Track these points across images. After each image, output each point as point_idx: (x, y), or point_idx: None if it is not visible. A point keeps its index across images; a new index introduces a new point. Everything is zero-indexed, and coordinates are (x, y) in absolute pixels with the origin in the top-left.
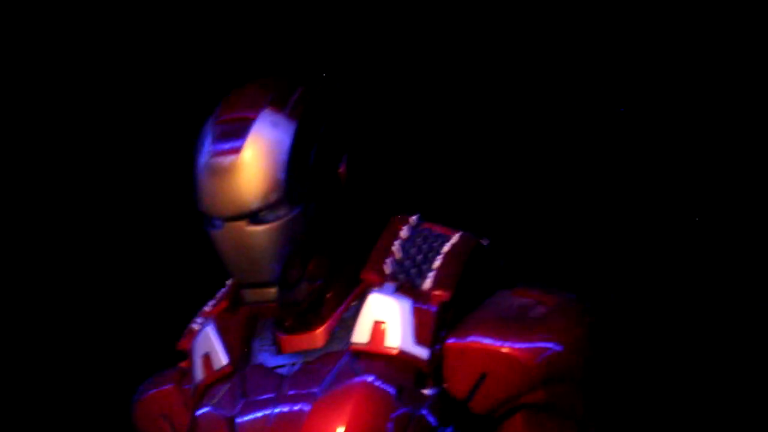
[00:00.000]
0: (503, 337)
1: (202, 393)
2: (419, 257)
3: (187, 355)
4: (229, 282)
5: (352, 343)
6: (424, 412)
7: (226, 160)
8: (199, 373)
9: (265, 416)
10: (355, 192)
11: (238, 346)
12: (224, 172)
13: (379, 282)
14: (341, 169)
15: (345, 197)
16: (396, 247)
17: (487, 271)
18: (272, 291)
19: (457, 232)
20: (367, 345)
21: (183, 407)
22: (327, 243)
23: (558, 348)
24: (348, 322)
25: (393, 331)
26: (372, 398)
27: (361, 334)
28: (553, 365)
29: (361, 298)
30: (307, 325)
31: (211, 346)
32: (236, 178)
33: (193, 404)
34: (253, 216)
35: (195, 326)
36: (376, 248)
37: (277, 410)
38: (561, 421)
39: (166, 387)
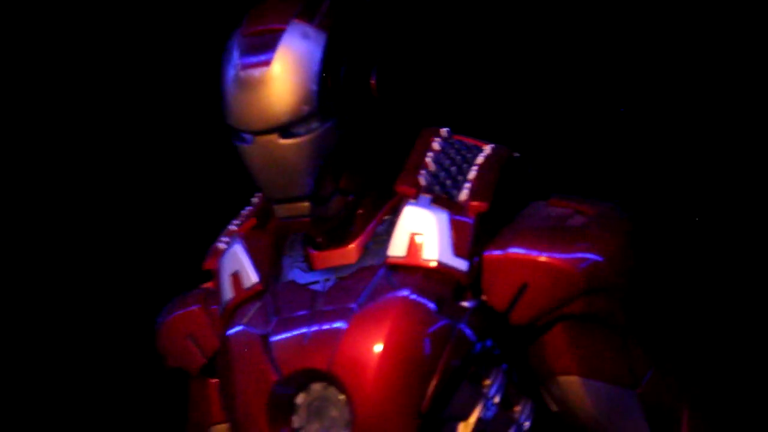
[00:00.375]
0: (543, 247)
1: (232, 312)
2: (453, 169)
3: (212, 275)
4: (254, 200)
5: (388, 257)
6: (462, 325)
7: (256, 72)
8: (228, 292)
9: (300, 333)
10: (386, 104)
11: (268, 264)
12: (254, 86)
13: (413, 194)
14: (372, 82)
15: (376, 110)
16: (429, 159)
17: (520, 182)
18: (305, 205)
19: (489, 143)
20: (403, 258)
21: (209, 328)
22: (359, 156)
23: (598, 257)
24: (382, 237)
25: (430, 244)
26: (411, 313)
27: (397, 248)
28: (593, 275)
29: (395, 212)
30: (339, 240)
31: (240, 264)
32: (267, 91)
33: (222, 324)
34: (284, 129)
35: (221, 245)
36: (408, 161)
37: (312, 327)
38: (602, 331)
39: (192, 308)
